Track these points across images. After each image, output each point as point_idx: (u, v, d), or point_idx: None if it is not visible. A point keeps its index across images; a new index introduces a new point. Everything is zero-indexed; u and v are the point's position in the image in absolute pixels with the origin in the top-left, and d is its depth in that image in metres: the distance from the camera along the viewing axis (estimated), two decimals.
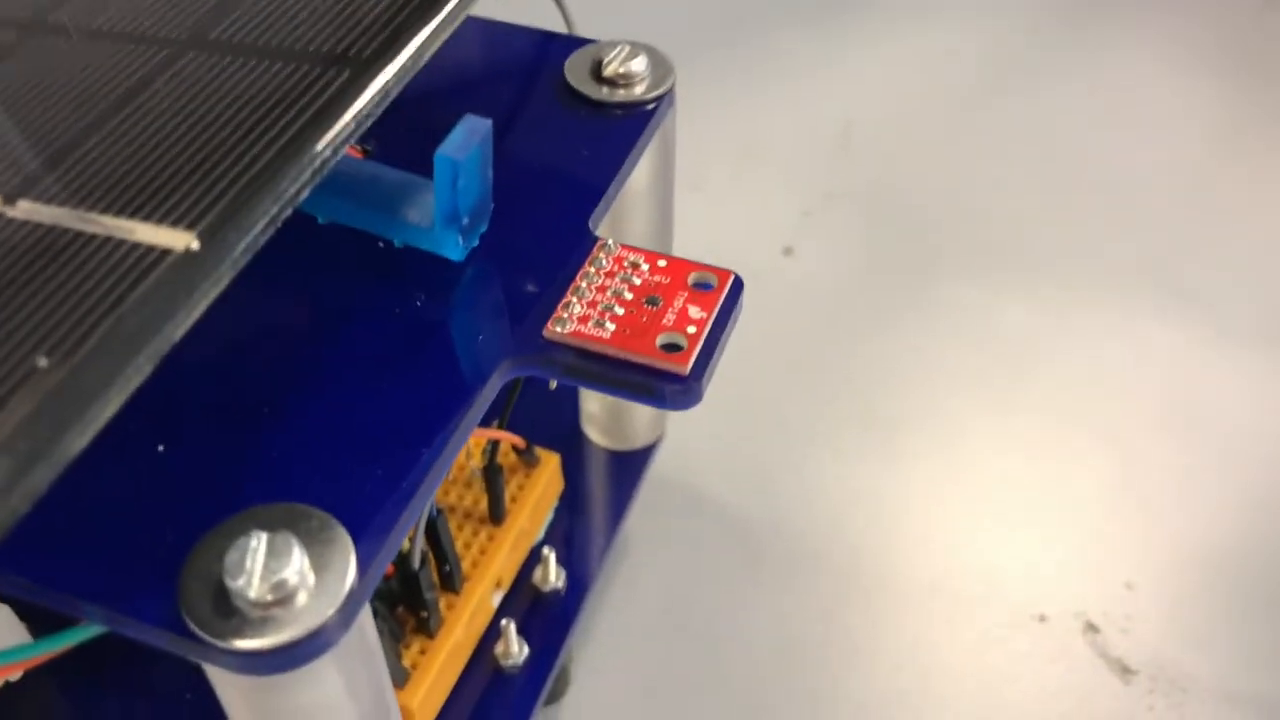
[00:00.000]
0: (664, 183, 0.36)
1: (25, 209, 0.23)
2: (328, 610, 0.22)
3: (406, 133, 0.33)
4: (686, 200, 0.38)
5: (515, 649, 0.37)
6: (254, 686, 0.23)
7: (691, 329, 0.27)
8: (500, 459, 0.38)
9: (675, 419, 0.46)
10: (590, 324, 0.27)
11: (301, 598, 0.22)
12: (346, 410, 0.26)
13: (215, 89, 0.25)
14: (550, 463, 0.40)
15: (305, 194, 0.23)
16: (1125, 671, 0.42)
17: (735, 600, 0.44)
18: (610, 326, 0.27)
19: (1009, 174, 0.62)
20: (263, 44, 0.26)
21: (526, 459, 0.39)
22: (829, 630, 0.43)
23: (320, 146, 0.23)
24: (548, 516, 0.41)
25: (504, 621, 0.37)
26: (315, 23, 0.26)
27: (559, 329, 0.27)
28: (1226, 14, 0.71)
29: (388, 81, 0.25)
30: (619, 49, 0.34)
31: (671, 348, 0.27)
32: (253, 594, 0.22)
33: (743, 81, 0.66)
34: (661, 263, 0.28)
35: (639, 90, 0.33)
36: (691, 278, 0.28)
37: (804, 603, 0.44)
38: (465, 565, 0.37)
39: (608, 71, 0.33)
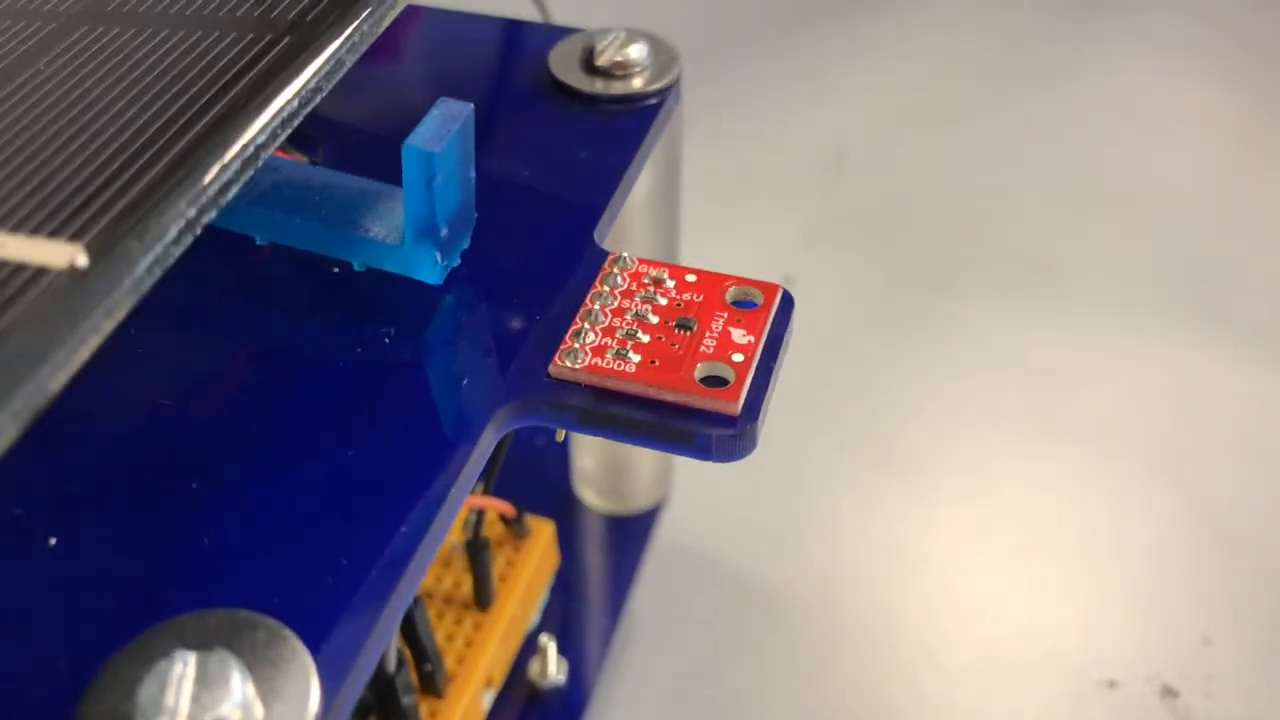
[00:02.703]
0: (671, 191, 0.30)
1: None
2: None
3: (365, 143, 0.27)
4: (680, 231, 0.33)
5: None
6: None
7: (738, 356, 0.21)
8: (485, 531, 0.32)
9: (681, 475, 0.40)
10: (609, 356, 0.21)
11: None
12: (300, 484, 0.19)
13: (114, 68, 0.19)
14: (544, 533, 0.34)
15: (232, 192, 0.17)
16: None
17: (762, 680, 0.38)
18: (635, 358, 0.21)
19: (1020, 190, 0.57)
20: (177, 11, 0.20)
21: (516, 530, 0.33)
22: (872, 709, 0.37)
23: (253, 130, 0.18)
24: (542, 597, 0.35)
25: None
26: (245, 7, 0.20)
27: (570, 363, 0.21)
28: (1225, 17, 0.67)
29: (338, 48, 0.19)
30: (613, 35, 0.28)
31: (716, 381, 0.21)
32: None
33: (728, 108, 0.62)
34: (690, 277, 0.23)
35: (639, 82, 0.28)
36: (730, 294, 0.22)
37: (840, 678, 0.38)
38: (449, 662, 0.31)
39: (601, 61, 0.28)
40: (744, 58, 0.66)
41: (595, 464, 0.37)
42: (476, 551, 0.31)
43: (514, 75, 0.29)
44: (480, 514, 0.31)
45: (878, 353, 0.49)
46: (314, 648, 0.17)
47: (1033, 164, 0.59)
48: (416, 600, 0.28)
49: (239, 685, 0.16)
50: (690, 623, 0.39)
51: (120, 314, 0.15)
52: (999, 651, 0.39)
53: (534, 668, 0.33)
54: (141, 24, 0.20)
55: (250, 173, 0.17)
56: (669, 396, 0.21)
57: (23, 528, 0.19)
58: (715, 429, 0.20)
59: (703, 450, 0.21)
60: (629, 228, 0.30)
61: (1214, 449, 0.45)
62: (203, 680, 0.16)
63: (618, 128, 0.27)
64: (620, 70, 0.28)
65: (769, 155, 0.59)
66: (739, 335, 0.22)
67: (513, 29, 0.30)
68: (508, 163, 0.26)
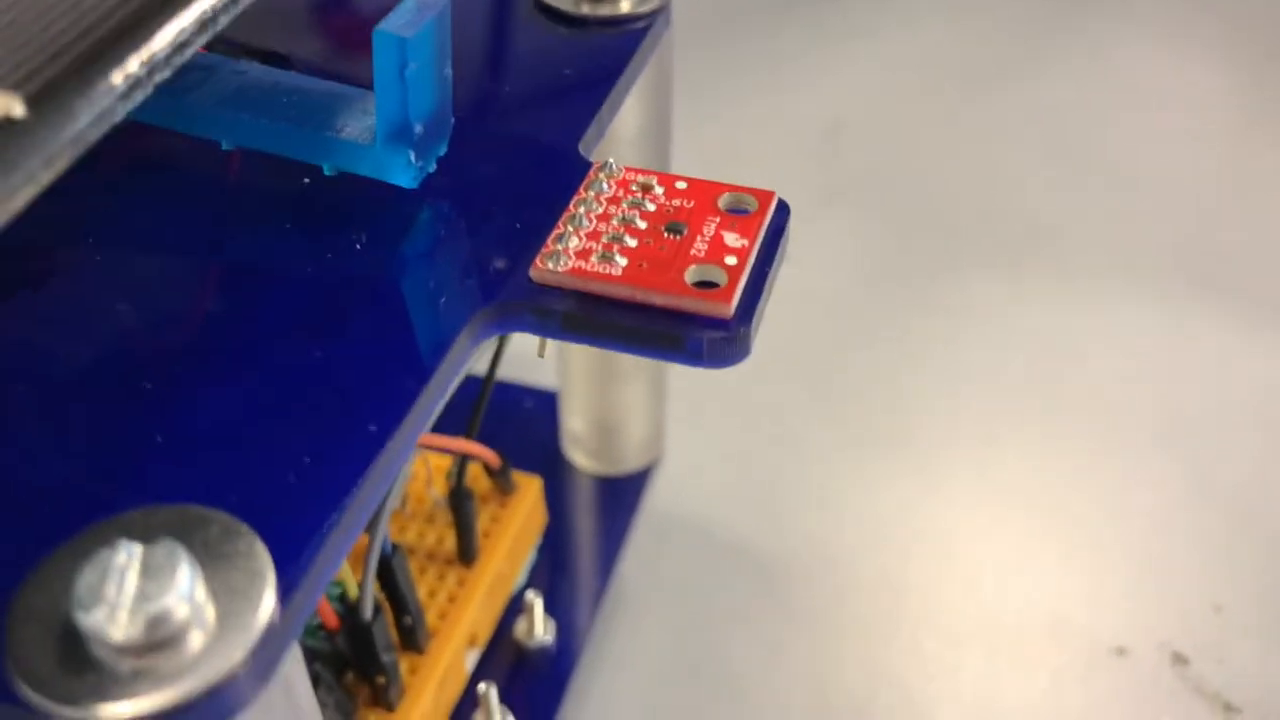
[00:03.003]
0: (661, 122, 0.29)
1: None
2: (235, 654, 0.15)
3: (341, 62, 0.26)
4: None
5: None
6: None
7: (731, 259, 0.20)
8: (470, 484, 0.30)
9: (674, 439, 0.39)
10: (594, 259, 0.20)
11: (195, 637, 0.15)
12: (263, 384, 0.18)
13: None
14: (530, 489, 0.33)
15: (187, 53, 0.16)
16: (1228, 710, 0.35)
17: (760, 649, 0.36)
18: (622, 260, 0.20)
19: (1019, 166, 0.56)
20: None
21: (501, 484, 0.32)
22: (875, 680, 0.36)
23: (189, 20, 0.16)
24: (529, 556, 0.33)
25: (482, 687, 0.29)
26: None
27: (552, 266, 0.20)
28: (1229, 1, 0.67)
29: None
30: None
31: (707, 285, 0.20)
32: (119, 634, 0.14)
33: (721, 84, 0.60)
34: (681, 184, 0.21)
35: (626, 4, 0.27)
36: (723, 200, 0.21)
37: (843, 647, 0.36)
38: (431, 618, 0.29)
39: None
40: (740, 35, 0.65)
41: (585, 424, 0.36)
42: (460, 503, 0.30)
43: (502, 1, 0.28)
44: (464, 463, 0.30)
45: (876, 325, 0.48)
46: (272, 544, 0.16)
47: (1031, 141, 0.58)
48: (395, 549, 0.27)
49: (187, 577, 0.15)
50: (683, 590, 0.38)
51: (58, 167, 0.14)
52: (1005, 620, 0.37)
53: (520, 627, 0.32)
54: None
55: (206, 36, 0.16)
56: (658, 299, 0.19)
57: None
58: (707, 332, 0.19)
59: (694, 355, 0.19)
60: (620, 158, 0.29)
61: (1219, 418, 0.44)
62: (148, 571, 0.15)
63: (605, 48, 0.26)
64: None
65: (765, 131, 0.58)
66: (732, 239, 0.20)
67: None
68: (491, 82, 0.25)
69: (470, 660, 0.31)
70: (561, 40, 0.26)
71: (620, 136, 0.28)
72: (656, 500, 0.39)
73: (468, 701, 0.30)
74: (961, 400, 0.44)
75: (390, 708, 0.27)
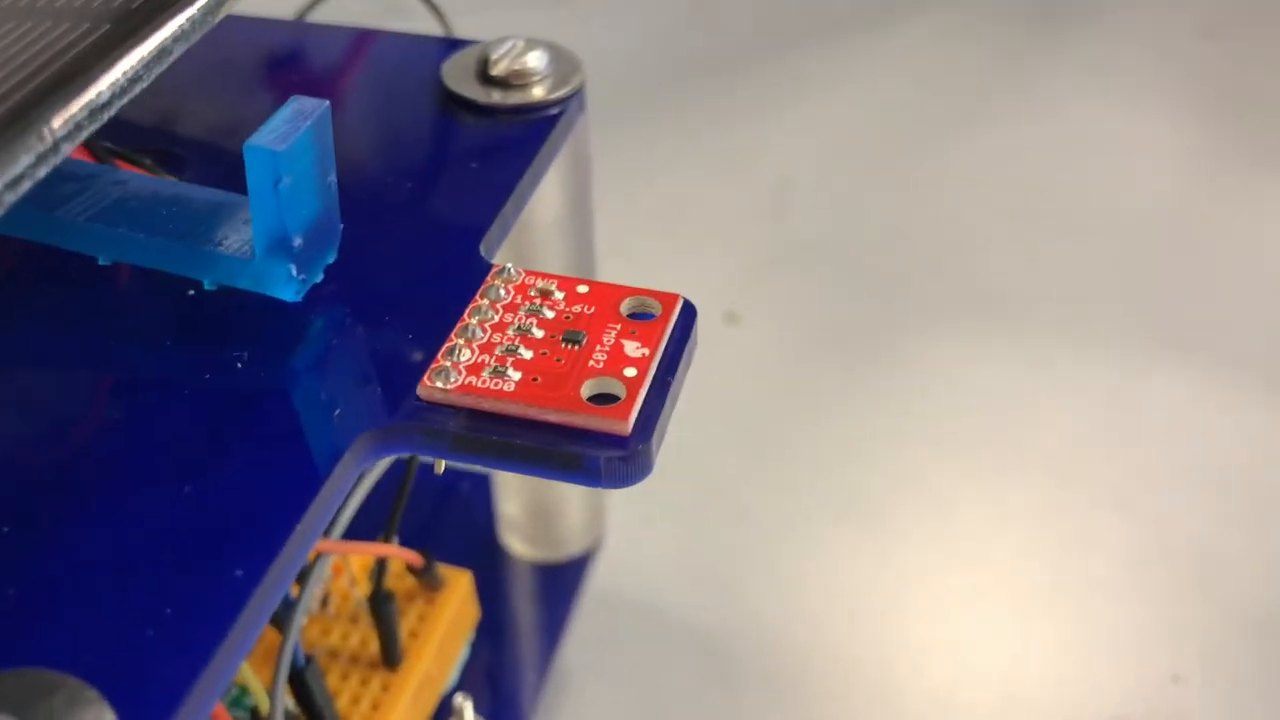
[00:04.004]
0: (580, 211, 0.28)
1: None
2: None
3: (238, 162, 0.25)
4: (613, 268, 0.31)
5: None
6: None
7: (631, 371, 0.19)
8: (392, 583, 0.29)
9: (617, 518, 0.37)
10: (485, 374, 0.19)
11: None
12: (126, 526, 0.17)
13: None
14: (459, 584, 0.31)
15: (23, 188, 0.15)
16: None
17: None
18: (515, 375, 0.19)
19: (970, 221, 0.55)
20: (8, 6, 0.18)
21: (428, 581, 0.31)
22: None
23: (56, 122, 0.15)
24: (460, 654, 0.32)
25: None
26: None
27: (440, 383, 0.19)
28: (1171, 46, 0.67)
29: (165, 39, 0.17)
30: (510, 43, 0.26)
31: (605, 399, 0.19)
32: None
33: (666, 140, 0.60)
34: (582, 289, 0.21)
35: (539, 91, 0.26)
36: (625, 306, 0.20)
37: None
38: None
39: (497, 70, 0.26)
40: (687, 95, 0.64)
41: (521, 509, 0.35)
42: (380, 605, 0.28)
43: (407, 89, 0.27)
44: (383, 564, 0.29)
45: (825, 389, 0.47)
46: (124, 710, 0.14)
47: (982, 195, 0.57)
48: (309, 659, 0.26)
49: None
50: (627, 677, 0.37)
51: None
52: (956, 698, 0.36)
53: None
54: None
55: (46, 167, 0.15)
56: (552, 416, 0.18)
57: None
58: (604, 451, 0.18)
59: (591, 475, 0.18)
60: (537, 251, 0.28)
61: (1174, 479, 0.43)
62: None
63: (514, 138, 0.25)
64: (518, 79, 0.26)
65: (711, 190, 0.58)
66: (632, 348, 0.19)
67: (407, 43, 0.28)
68: (392, 177, 0.24)
69: None
70: (470, 130, 0.26)
71: (536, 224, 0.27)
72: (599, 582, 0.37)
73: None
74: (911, 463, 0.43)
75: None
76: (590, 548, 0.36)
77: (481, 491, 0.36)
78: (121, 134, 0.24)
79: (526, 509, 0.35)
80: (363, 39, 0.29)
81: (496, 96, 0.26)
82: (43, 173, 0.15)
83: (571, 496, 0.35)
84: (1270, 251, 0.54)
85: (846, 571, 0.40)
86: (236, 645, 0.16)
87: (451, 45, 0.28)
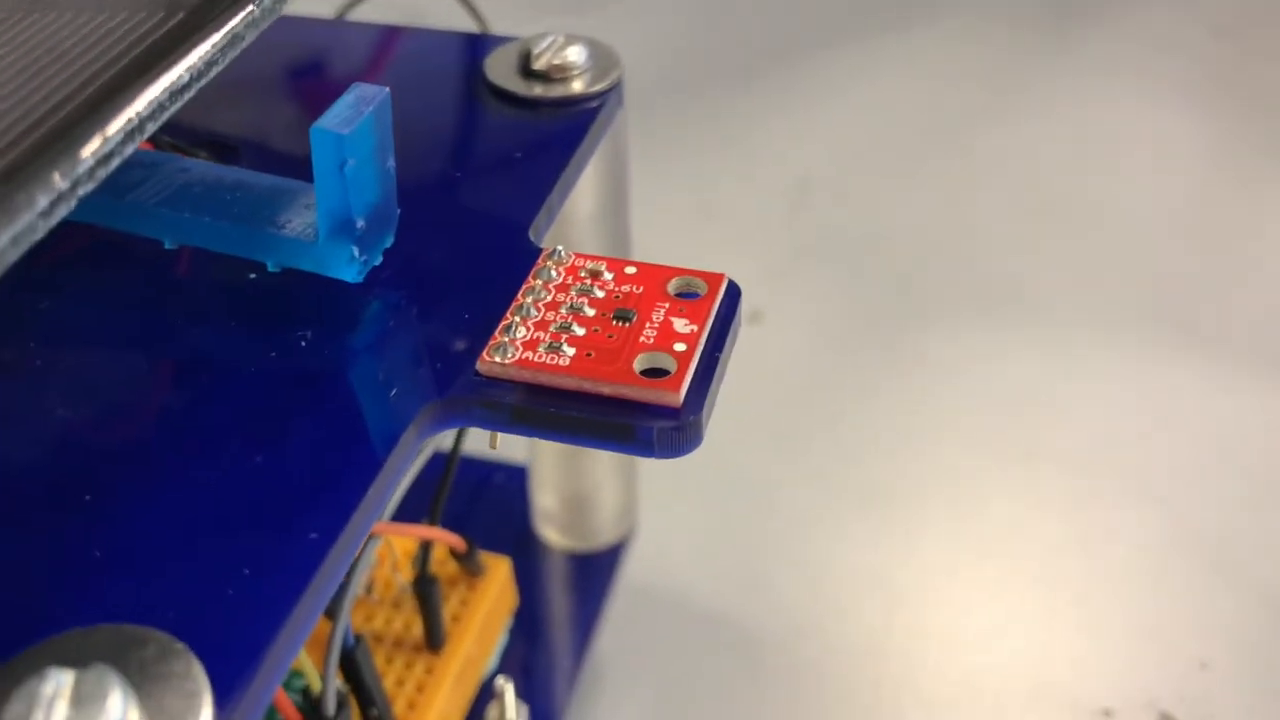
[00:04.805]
0: (617, 201, 0.29)
1: None
2: None
3: (290, 152, 0.26)
4: (634, 257, 0.32)
5: None
6: None
7: (680, 346, 0.20)
8: (435, 569, 0.30)
9: (648, 508, 0.38)
10: (541, 349, 0.20)
11: None
12: (203, 493, 0.18)
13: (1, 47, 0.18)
14: (499, 570, 0.32)
15: (112, 165, 0.16)
16: None
17: (742, 712, 0.36)
18: (569, 351, 0.20)
19: (988, 218, 0.56)
20: None
21: (469, 567, 0.31)
22: None
23: (138, 103, 0.16)
24: (500, 639, 0.33)
25: None
26: None
27: (498, 358, 0.19)
28: (1181, 44, 0.67)
29: (236, 24, 0.18)
30: (551, 39, 0.27)
31: (656, 372, 0.19)
32: None
33: (687, 142, 0.61)
34: (630, 269, 0.21)
35: (578, 85, 0.27)
36: (672, 285, 0.21)
37: (823, 713, 0.36)
38: (399, 707, 0.29)
39: (539, 65, 0.27)
40: (708, 96, 0.65)
41: (556, 500, 0.35)
42: (425, 589, 0.29)
43: (451, 84, 0.28)
44: (428, 548, 0.29)
45: (849, 384, 0.47)
46: (210, 662, 0.15)
47: (999, 192, 0.58)
48: (358, 640, 0.26)
49: (118, 704, 0.14)
50: (659, 665, 0.37)
51: None
52: (984, 683, 0.37)
53: (492, 714, 0.31)
54: (30, 7, 0.19)
55: (131, 147, 0.16)
56: (606, 389, 0.19)
57: None
58: (657, 421, 0.19)
59: (644, 445, 0.19)
60: (576, 242, 0.29)
61: (1197, 468, 0.43)
62: (78, 700, 0.14)
63: (556, 130, 0.26)
64: (559, 74, 0.27)
65: (733, 189, 0.58)
66: (681, 325, 0.20)
67: (450, 39, 0.29)
68: (440, 167, 0.25)
69: None
70: (513, 122, 0.26)
71: (575, 216, 0.28)
72: (632, 573, 0.38)
73: None
74: (937, 456, 0.44)
75: None
76: (623, 537, 0.36)
77: (517, 483, 0.37)
78: (176, 128, 0.25)
79: (562, 499, 0.35)
80: (404, 35, 0.30)
81: (539, 90, 0.27)
82: (130, 149, 0.16)
83: (605, 487, 0.35)
84: None
85: (874, 560, 0.40)
86: (312, 604, 0.16)
87: (491, 42, 0.29)
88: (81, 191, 0.15)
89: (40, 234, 0.15)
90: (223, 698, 0.15)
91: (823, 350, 0.49)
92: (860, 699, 0.36)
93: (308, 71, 0.28)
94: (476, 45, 0.29)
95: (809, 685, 0.37)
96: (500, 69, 0.27)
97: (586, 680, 0.35)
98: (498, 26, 0.33)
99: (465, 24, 0.33)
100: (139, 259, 0.21)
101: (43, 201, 0.15)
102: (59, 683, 0.14)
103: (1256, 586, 0.39)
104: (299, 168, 0.22)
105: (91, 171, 0.15)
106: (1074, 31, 0.69)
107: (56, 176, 0.15)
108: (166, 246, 0.21)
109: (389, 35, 0.30)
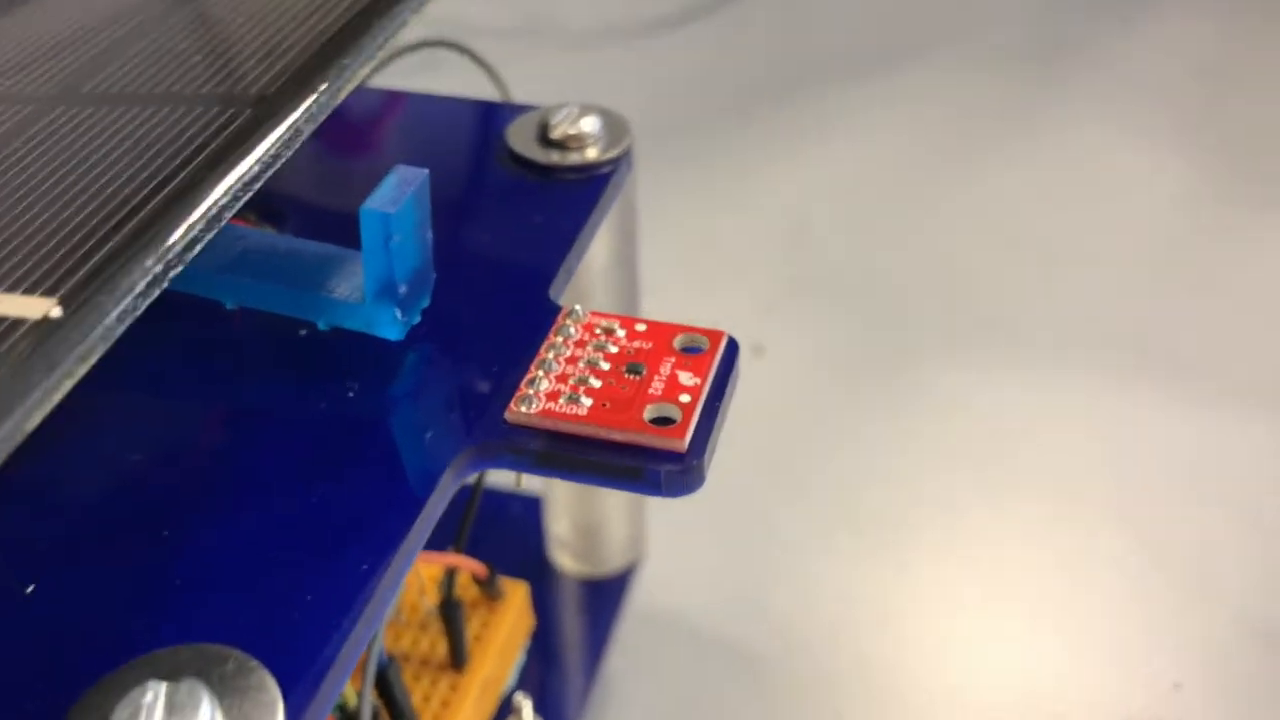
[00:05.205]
0: (628, 255, 0.32)
1: None
2: None
3: (329, 215, 0.28)
4: (646, 304, 0.34)
5: None
6: None
7: (685, 397, 0.22)
8: (459, 593, 0.32)
9: (655, 535, 0.41)
10: (562, 400, 0.22)
11: None
12: (267, 528, 0.20)
13: (86, 143, 0.20)
14: (517, 594, 0.35)
15: (197, 249, 0.18)
16: None
17: None
18: (586, 401, 0.22)
19: (978, 254, 0.59)
20: (147, 91, 0.22)
21: (489, 591, 0.34)
22: None
23: (215, 194, 0.19)
24: (518, 658, 0.35)
25: None
26: (213, 63, 0.22)
27: (524, 409, 0.22)
28: (1171, 88, 0.70)
29: (297, 119, 0.21)
30: (566, 110, 0.30)
31: (663, 421, 0.22)
32: None
33: (688, 182, 0.63)
34: (640, 326, 0.24)
35: (592, 153, 0.30)
36: (678, 341, 0.24)
37: None
38: None
39: (556, 134, 0.30)
40: (703, 133, 0.68)
41: (570, 529, 0.38)
42: (450, 611, 0.32)
43: (475, 151, 0.31)
44: (453, 574, 0.32)
45: (844, 414, 0.50)
46: (280, 676, 0.18)
47: (987, 229, 0.60)
48: (391, 660, 0.29)
49: (207, 711, 0.17)
50: (667, 683, 0.40)
51: (92, 359, 0.16)
52: (969, 695, 0.39)
53: None
54: (114, 103, 0.21)
55: (214, 232, 0.18)
56: (618, 436, 0.22)
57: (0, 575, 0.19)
58: (664, 465, 0.21)
59: (653, 486, 0.22)
60: (590, 292, 0.32)
61: (1173, 494, 0.46)
62: (172, 707, 0.17)
63: (573, 195, 0.29)
64: (574, 143, 0.30)
65: (733, 226, 0.61)
66: (686, 378, 0.23)
67: (473, 108, 0.32)
68: (468, 230, 0.28)
69: None
70: (533, 187, 0.29)
71: (590, 269, 0.31)
72: (640, 597, 0.40)
73: None
74: (926, 484, 0.46)
75: None
76: (632, 564, 0.39)
77: (533, 513, 0.39)
78: None
79: (575, 528, 0.38)
80: (434, 103, 0.32)
81: (555, 157, 0.29)
82: (212, 234, 0.18)
83: (615, 516, 0.38)
84: (1259, 281, 0.57)
85: (865, 582, 0.43)
86: (367, 626, 0.19)
87: (513, 111, 0.31)
88: (172, 274, 0.18)
89: (140, 311, 0.17)
90: (293, 706, 0.17)
91: (821, 383, 0.52)
92: (852, 708, 0.39)
93: (342, 137, 0.31)
94: (499, 114, 0.31)
95: (805, 697, 0.39)
96: (520, 138, 0.30)
97: (598, 697, 0.38)
98: (500, 63, 0.35)
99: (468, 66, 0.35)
100: (204, 318, 0.24)
101: (141, 284, 0.17)
102: (156, 693, 0.17)
103: (1226, 610, 0.42)
104: (340, 227, 0.24)
105: (181, 255, 0.18)
106: (1060, 75, 0.72)
107: (151, 261, 0.17)
108: (228, 307, 0.24)
109: (421, 103, 0.32)
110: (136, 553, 0.20)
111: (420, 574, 0.34)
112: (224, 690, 0.17)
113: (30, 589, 0.19)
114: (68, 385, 0.16)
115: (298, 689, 0.18)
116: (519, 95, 0.34)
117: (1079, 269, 0.57)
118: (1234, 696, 0.39)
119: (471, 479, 0.32)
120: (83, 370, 0.16)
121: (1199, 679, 0.40)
